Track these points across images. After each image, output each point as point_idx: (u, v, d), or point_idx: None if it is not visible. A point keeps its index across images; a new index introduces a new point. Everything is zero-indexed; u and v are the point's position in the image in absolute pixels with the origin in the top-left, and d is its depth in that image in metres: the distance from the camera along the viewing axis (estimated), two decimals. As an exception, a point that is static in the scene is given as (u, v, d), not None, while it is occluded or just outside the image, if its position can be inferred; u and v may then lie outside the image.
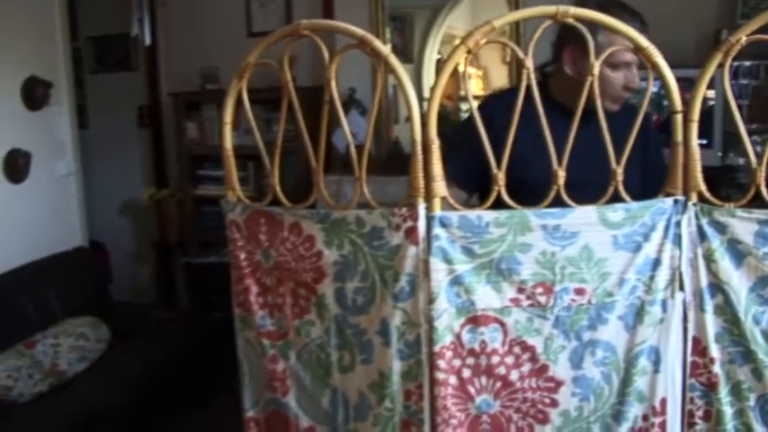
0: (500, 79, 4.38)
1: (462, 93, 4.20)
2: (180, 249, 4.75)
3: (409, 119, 1.58)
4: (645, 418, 1.60)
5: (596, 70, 1.54)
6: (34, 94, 3.92)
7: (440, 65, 4.39)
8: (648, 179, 1.91)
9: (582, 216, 1.55)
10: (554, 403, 1.60)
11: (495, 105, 1.71)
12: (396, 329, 1.60)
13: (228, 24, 4.65)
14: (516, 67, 4.16)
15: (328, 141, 2.89)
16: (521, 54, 1.55)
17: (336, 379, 1.73)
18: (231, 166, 1.81)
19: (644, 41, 1.52)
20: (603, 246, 1.55)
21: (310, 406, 1.79)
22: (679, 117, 1.54)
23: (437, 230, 1.55)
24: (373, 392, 1.66)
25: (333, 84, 1.62)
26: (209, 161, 4.58)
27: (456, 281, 1.56)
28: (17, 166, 3.81)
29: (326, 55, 1.62)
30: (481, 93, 4.26)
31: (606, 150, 1.56)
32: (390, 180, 3.34)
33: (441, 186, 1.56)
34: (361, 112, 4.07)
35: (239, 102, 1.76)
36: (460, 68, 1.57)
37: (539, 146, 1.57)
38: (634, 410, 1.60)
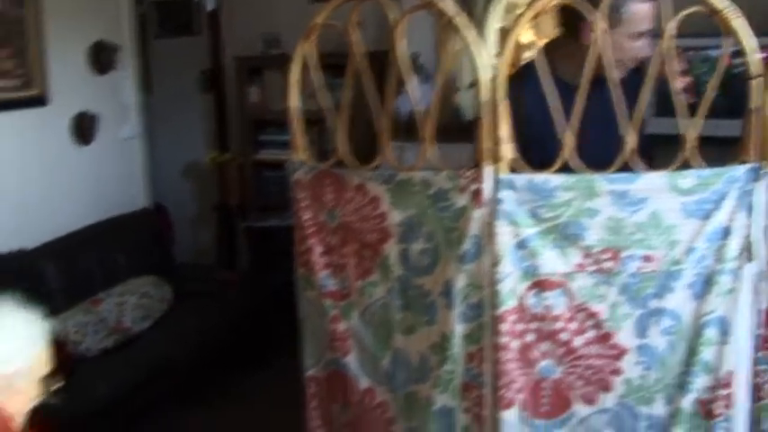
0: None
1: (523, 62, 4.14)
2: (240, 212, 4.80)
3: (474, 83, 1.57)
4: (711, 389, 1.57)
5: (671, 32, 1.51)
6: (101, 59, 4.00)
7: (503, 33, 4.32)
8: None
9: (651, 182, 1.53)
10: (617, 371, 1.58)
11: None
12: (459, 291, 1.60)
13: (290, -10, 4.64)
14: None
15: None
16: (590, 16, 1.52)
17: (398, 340, 1.74)
18: (297, 128, 1.82)
19: (719, 2, 1.47)
20: (673, 212, 1.52)
21: (371, 367, 1.80)
22: (756, 83, 1.49)
23: (503, 193, 1.54)
24: (435, 354, 1.67)
25: (401, 43, 1.61)
26: (271, 126, 4.59)
27: (521, 244, 1.55)
28: (84, 129, 3.90)
29: (393, 16, 1.61)
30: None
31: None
32: (451, 147, 3.31)
33: (508, 149, 1.55)
34: (423, 79, 4.02)
35: (304, 66, 1.76)
36: (524, 39, 1.55)
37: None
38: (699, 381, 1.57)
